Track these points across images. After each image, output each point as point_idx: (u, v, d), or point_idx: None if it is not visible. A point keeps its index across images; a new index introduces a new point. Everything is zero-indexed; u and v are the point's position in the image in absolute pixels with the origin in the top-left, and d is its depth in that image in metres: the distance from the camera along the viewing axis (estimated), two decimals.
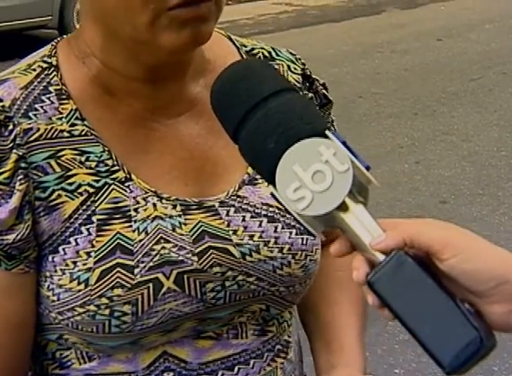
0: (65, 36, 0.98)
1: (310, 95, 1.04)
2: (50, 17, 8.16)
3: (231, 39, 1.03)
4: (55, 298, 0.89)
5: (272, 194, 0.93)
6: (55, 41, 0.96)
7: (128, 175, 0.91)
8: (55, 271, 0.89)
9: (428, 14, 9.28)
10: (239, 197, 0.94)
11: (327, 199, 0.69)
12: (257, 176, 0.94)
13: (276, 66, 1.01)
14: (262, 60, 0.99)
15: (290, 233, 0.95)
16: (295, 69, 1.03)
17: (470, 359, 0.64)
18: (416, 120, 5.71)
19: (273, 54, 1.03)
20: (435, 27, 8.54)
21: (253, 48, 1.03)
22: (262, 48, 1.04)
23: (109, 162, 0.90)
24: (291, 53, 1.05)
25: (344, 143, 0.71)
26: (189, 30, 0.84)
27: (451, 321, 0.65)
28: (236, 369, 0.95)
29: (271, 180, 0.73)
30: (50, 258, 0.89)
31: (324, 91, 1.06)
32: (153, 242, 0.89)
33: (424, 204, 4.32)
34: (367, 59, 7.33)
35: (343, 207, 0.70)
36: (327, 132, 0.72)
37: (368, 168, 0.71)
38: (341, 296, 1.08)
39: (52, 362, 0.95)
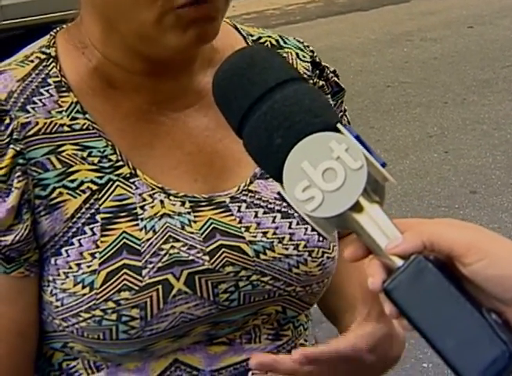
0: (64, 26, 0.93)
1: (321, 83, 0.99)
2: None
3: (237, 28, 0.99)
4: (58, 303, 0.84)
5: (279, 193, 0.88)
6: (55, 30, 0.92)
7: (133, 171, 0.86)
8: (58, 274, 0.84)
9: (459, 1, 9.10)
10: (250, 191, 0.89)
11: (339, 199, 0.63)
12: None
13: (285, 55, 0.97)
14: (268, 48, 0.94)
15: (306, 229, 0.89)
16: (304, 57, 0.99)
17: None
18: (445, 109, 5.60)
19: (281, 42, 0.99)
20: (466, 14, 8.37)
21: (260, 37, 0.99)
22: (269, 37, 1.00)
23: (113, 157, 0.86)
24: (299, 41, 1.02)
25: (357, 138, 0.65)
26: (195, 30, 0.81)
27: (476, 334, 0.59)
28: (249, 375, 0.89)
29: (278, 178, 0.67)
30: (52, 261, 0.84)
31: (335, 78, 1.02)
32: (161, 241, 0.84)
33: (454, 195, 4.21)
34: (396, 48, 7.21)
35: (357, 207, 0.64)
36: (339, 126, 0.66)
37: (384, 165, 0.65)
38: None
39: (58, 373, 0.91)
